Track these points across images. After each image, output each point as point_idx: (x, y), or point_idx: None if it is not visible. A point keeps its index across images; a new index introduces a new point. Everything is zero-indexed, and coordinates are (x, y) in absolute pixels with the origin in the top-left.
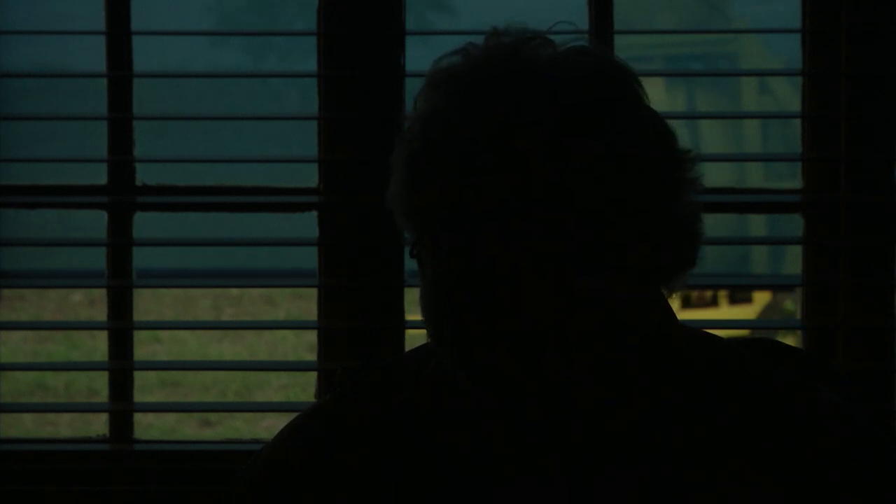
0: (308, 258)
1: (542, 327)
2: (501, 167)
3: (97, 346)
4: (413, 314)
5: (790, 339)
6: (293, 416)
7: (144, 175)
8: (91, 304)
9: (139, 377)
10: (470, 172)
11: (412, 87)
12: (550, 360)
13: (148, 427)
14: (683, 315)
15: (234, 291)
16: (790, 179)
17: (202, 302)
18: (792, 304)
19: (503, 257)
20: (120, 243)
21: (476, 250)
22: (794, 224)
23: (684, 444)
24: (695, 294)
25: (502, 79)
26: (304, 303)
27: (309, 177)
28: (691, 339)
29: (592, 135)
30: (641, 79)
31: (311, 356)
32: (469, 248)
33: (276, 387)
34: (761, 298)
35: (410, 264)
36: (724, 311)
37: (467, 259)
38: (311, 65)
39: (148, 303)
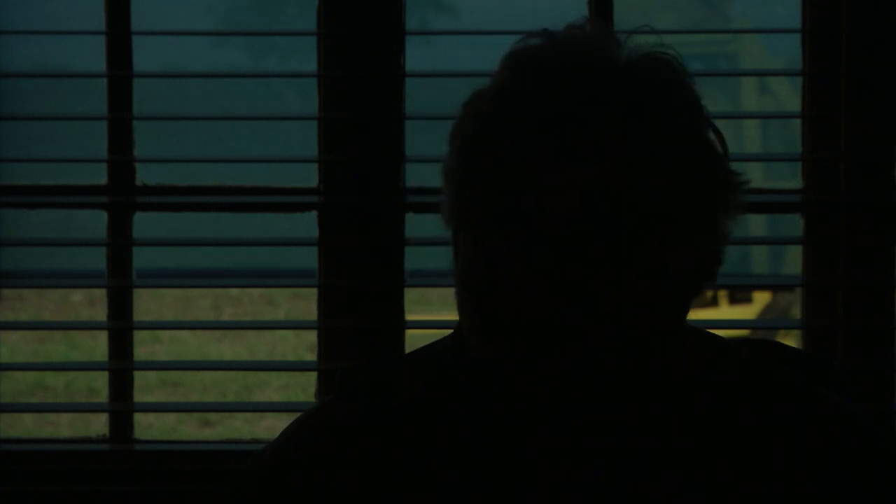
0: (308, 258)
1: (569, 330)
2: (558, 156)
3: (97, 346)
4: (413, 314)
5: (790, 340)
6: (293, 416)
7: (144, 175)
8: (91, 304)
9: (139, 377)
10: (526, 157)
11: (412, 87)
12: (566, 364)
13: (148, 427)
14: None
15: (234, 291)
16: (790, 179)
17: (202, 302)
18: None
19: (545, 251)
20: (120, 243)
21: (519, 240)
22: (794, 224)
23: (689, 445)
24: None
25: (577, 71)
26: (304, 303)
27: (309, 177)
28: (695, 339)
29: (656, 144)
30: None
31: (311, 356)
32: (512, 237)
33: (276, 387)
34: (761, 298)
35: (410, 264)
36: (724, 311)
37: (510, 247)
38: (311, 65)
39: (148, 303)
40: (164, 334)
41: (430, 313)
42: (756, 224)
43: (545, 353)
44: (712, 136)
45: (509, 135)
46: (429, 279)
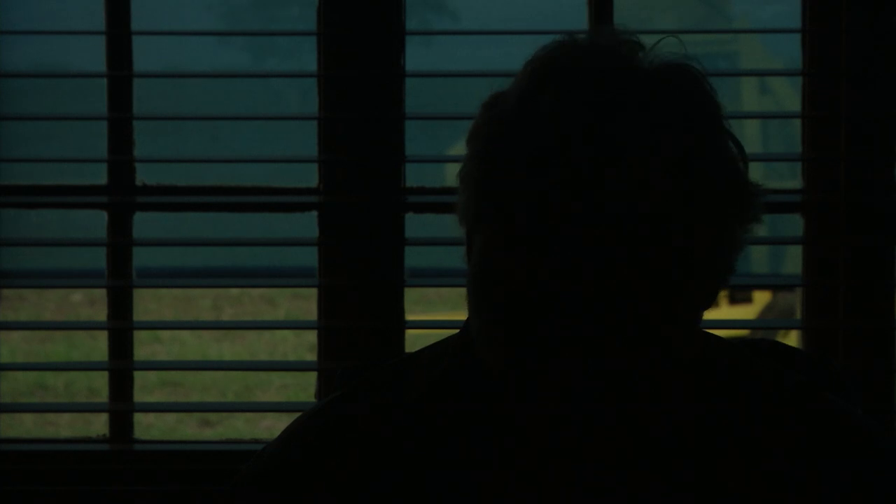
0: (308, 258)
1: (576, 335)
2: (575, 159)
3: (97, 346)
4: (413, 314)
5: (790, 340)
6: (293, 416)
7: (144, 175)
8: (91, 304)
9: (139, 377)
10: (548, 161)
11: (412, 87)
12: (568, 364)
13: (148, 427)
14: None
15: (234, 291)
16: (790, 179)
17: (202, 302)
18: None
19: (556, 257)
20: (120, 243)
21: (537, 245)
22: (794, 224)
23: (690, 445)
24: None
25: (598, 76)
26: (304, 303)
27: (309, 177)
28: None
29: (672, 152)
30: None
31: (311, 356)
32: (529, 240)
33: (277, 387)
34: (761, 298)
35: (410, 264)
36: (724, 311)
37: (527, 251)
38: (311, 65)
39: (148, 303)
40: (164, 334)
41: (430, 313)
42: None
43: (556, 354)
44: (732, 147)
45: (529, 141)
46: (429, 279)
